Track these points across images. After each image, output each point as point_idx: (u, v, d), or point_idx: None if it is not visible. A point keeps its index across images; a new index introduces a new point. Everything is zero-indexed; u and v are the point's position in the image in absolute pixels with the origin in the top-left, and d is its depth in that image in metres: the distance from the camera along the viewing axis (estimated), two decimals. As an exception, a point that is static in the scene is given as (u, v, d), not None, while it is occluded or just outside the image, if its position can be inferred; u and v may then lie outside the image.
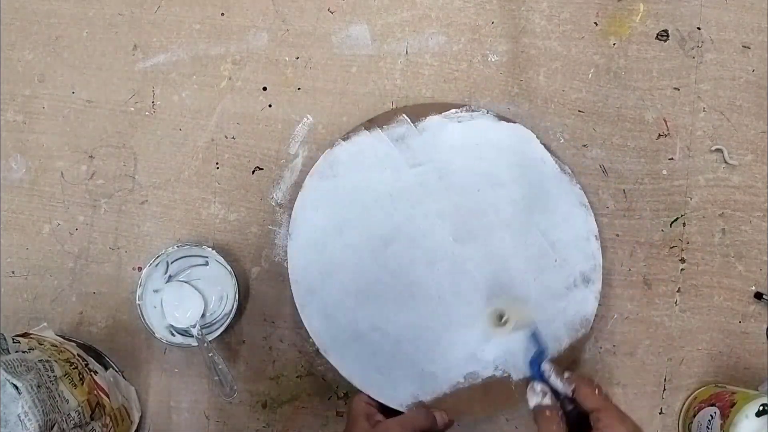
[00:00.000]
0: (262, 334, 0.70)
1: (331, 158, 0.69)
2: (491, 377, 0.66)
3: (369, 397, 0.64)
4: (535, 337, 0.64)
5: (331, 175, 0.69)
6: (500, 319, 0.65)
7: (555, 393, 0.57)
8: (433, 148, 0.69)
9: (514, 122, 0.70)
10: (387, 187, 0.68)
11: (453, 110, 0.70)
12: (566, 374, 0.58)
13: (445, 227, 0.68)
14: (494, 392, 0.66)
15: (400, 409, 0.65)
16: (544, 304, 0.67)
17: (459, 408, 0.65)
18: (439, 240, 0.67)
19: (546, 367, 0.59)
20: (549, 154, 0.69)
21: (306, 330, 0.66)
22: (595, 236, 0.68)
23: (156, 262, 0.67)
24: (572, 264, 0.68)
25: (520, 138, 0.70)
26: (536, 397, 0.57)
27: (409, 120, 0.69)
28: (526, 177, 0.69)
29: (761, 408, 0.58)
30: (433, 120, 0.70)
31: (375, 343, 0.66)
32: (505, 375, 0.66)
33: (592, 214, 0.69)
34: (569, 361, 0.67)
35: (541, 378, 0.59)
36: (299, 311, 0.67)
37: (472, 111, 0.70)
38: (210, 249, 0.68)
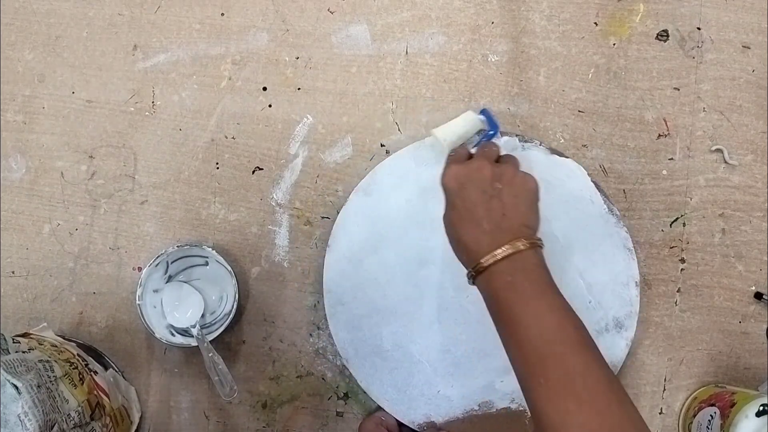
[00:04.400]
0: (262, 334, 0.70)
1: (376, 176, 0.69)
2: (506, 409, 0.66)
3: (380, 419, 0.65)
4: (487, 119, 0.66)
5: (374, 191, 0.69)
6: (435, 141, 0.66)
7: None
8: None
9: (566, 156, 0.69)
10: (427, 210, 0.68)
11: (506, 137, 0.69)
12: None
13: None
14: (507, 424, 0.66)
15: (411, 426, 0.66)
16: None
17: None
18: None
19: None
20: (598, 193, 0.68)
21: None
22: (636, 282, 0.67)
23: (156, 262, 0.67)
24: (606, 308, 0.67)
25: (570, 173, 0.69)
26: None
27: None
28: (570, 214, 0.68)
29: (761, 408, 0.58)
30: None
31: (396, 360, 0.67)
32: (521, 409, 0.66)
33: (636, 259, 0.68)
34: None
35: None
36: (328, 320, 0.68)
37: (525, 141, 0.69)
38: (210, 249, 0.68)
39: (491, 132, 0.66)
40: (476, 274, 0.54)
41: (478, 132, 0.67)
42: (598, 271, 0.67)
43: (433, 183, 0.62)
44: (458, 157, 0.61)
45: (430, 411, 0.66)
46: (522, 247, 0.53)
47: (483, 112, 0.66)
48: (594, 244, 0.67)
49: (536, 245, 0.54)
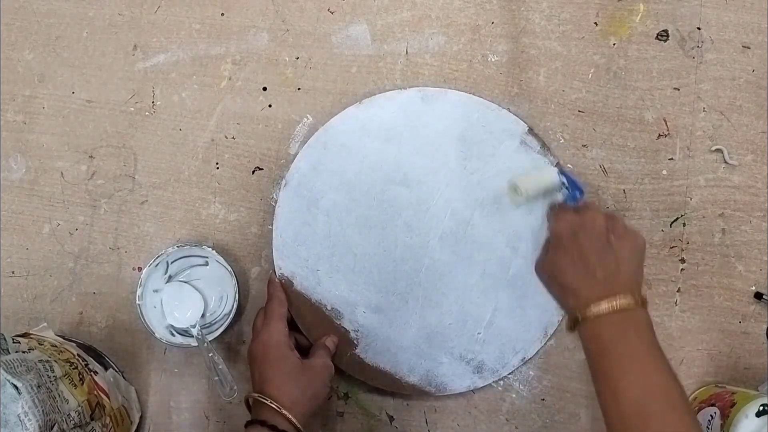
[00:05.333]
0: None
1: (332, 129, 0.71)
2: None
3: (286, 328, 0.65)
4: (566, 179, 0.65)
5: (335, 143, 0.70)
6: (515, 191, 0.66)
7: None
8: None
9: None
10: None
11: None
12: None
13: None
14: None
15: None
16: None
17: None
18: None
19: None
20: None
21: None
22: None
23: (156, 263, 0.67)
24: None
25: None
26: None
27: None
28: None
29: (761, 408, 0.58)
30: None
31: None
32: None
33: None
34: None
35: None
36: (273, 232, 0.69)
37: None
38: (210, 249, 0.68)
39: (577, 193, 0.64)
40: (579, 320, 0.55)
41: (558, 189, 0.66)
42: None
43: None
44: (567, 208, 0.63)
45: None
46: (634, 304, 0.54)
47: (562, 172, 0.66)
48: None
49: (646, 303, 0.55)
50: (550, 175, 0.66)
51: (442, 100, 0.70)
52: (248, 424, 0.59)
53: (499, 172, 0.69)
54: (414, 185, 0.69)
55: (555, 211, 0.63)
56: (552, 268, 0.59)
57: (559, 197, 0.65)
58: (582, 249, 0.57)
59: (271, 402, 0.59)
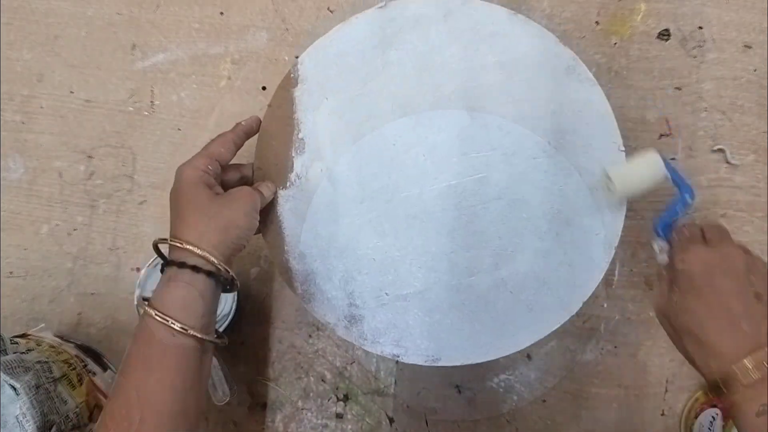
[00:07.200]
0: (262, 335, 0.70)
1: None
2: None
3: (207, 166, 0.56)
4: (674, 175, 0.54)
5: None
6: (608, 186, 0.58)
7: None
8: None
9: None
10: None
11: None
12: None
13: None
14: None
15: None
16: None
17: None
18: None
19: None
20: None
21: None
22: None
23: (155, 263, 0.67)
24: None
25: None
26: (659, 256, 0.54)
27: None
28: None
29: (760, 408, 0.58)
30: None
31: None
32: None
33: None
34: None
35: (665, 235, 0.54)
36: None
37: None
38: (209, 249, 0.67)
39: (687, 197, 0.54)
40: (724, 385, 0.46)
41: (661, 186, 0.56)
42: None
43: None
44: (695, 235, 0.52)
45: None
46: None
47: (667, 164, 0.55)
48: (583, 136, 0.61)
49: None
50: (653, 165, 0.55)
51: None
52: (163, 267, 0.53)
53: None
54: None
55: (680, 241, 0.52)
56: (683, 317, 0.49)
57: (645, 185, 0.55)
58: (722, 294, 0.47)
59: (171, 240, 0.52)
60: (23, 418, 0.53)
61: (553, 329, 0.59)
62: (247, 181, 0.61)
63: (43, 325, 0.68)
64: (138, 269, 0.71)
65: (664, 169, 0.55)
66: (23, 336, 0.64)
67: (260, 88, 0.73)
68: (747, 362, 0.45)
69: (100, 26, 0.74)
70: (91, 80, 0.74)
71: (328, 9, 0.74)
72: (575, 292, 0.59)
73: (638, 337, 0.69)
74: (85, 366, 0.64)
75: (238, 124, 0.60)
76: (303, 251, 0.61)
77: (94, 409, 0.61)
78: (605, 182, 0.58)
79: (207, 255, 0.51)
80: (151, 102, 0.73)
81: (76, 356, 0.64)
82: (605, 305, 0.69)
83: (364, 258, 0.60)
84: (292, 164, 0.62)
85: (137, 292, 0.66)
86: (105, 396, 0.63)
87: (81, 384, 0.61)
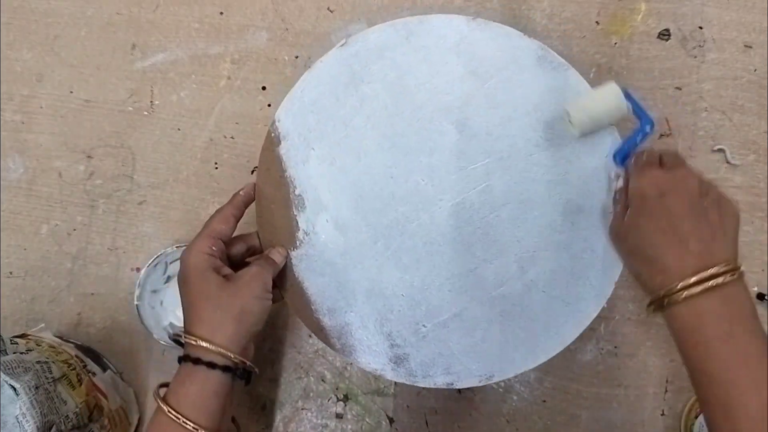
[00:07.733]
0: (262, 335, 0.70)
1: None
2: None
3: (210, 248, 0.55)
4: (634, 105, 0.54)
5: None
6: (569, 120, 0.58)
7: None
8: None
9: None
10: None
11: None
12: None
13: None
14: None
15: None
16: None
17: None
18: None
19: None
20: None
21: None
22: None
23: (154, 263, 0.67)
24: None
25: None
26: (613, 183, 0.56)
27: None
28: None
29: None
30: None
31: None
32: None
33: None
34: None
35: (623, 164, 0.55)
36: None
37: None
38: (209, 249, 0.67)
39: (647, 127, 0.55)
40: (666, 300, 0.48)
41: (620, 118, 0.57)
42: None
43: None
44: (652, 159, 0.54)
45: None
46: (736, 279, 0.46)
47: (628, 95, 0.55)
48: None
49: (743, 276, 0.47)
50: (612, 96, 0.55)
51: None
52: (180, 360, 0.53)
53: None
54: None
55: (636, 165, 0.54)
56: (635, 236, 0.51)
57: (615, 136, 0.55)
58: (672, 214, 0.49)
59: (186, 337, 0.52)
60: (23, 419, 0.53)
61: (594, 317, 0.59)
62: (255, 251, 0.61)
63: (42, 325, 0.68)
64: (138, 269, 0.71)
65: (623, 100, 0.55)
66: (23, 336, 0.64)
67: (260, 88, 0.73)
68: (691, 279, 0.47)
69: (99, 26, 0.74)
70: (90, 80, 0.74)
71: (328, 9, 0.74)
72: (605, 275, 0.59)
73: (638, 338, 0.69)
74: (85, 366, 0.64)
75: (235, 195, 0.60)
76: (331, 306, 0.60)
77: (93, 409, 0.61)
78: (565, 117, 0.58)
79: (222, 351, 0.51)
80: (151, 102, 0.73)
81: (76, 356, 0.64)
82: (605, 305, 0.69)
83: (393, 296, 0.60)
84: (297, 222, 0.61)
85: (137, 292, 0.66)
86: (105, 396, 0.63)
87: (81, 384, 0.61)
